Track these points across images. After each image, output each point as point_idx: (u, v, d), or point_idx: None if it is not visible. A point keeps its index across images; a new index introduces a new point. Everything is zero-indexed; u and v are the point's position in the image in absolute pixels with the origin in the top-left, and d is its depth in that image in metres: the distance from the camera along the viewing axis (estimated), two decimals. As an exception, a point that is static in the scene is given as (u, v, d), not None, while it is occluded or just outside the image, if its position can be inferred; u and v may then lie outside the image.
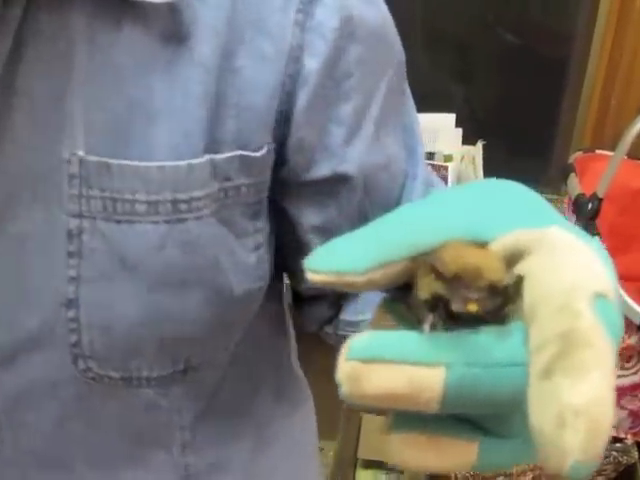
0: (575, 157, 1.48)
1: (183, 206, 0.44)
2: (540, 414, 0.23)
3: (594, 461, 0.23)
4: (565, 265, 0.26)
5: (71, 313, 0.45)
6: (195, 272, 0.46)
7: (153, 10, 0.42)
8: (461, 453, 0.28)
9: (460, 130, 1.69)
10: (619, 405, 1.25)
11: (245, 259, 0.49)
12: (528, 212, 0.30)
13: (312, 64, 0.45)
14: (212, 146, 0.45)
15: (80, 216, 0.44)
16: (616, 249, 1.25)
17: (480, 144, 1.65)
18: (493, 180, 0.32)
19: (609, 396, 0.23)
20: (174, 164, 0.43)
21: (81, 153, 0.43)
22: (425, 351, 0.26)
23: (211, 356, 0.52)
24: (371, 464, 1.77)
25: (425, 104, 1.66)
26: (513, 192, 0.32)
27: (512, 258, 0.28)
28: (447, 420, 0.28)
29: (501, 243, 0.28)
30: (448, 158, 1.69)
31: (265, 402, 0.62)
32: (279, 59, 0.45)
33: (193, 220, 0.45)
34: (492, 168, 1.64)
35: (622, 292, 1.15)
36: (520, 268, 0.27)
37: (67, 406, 0.50)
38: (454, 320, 0.27)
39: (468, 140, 1.69)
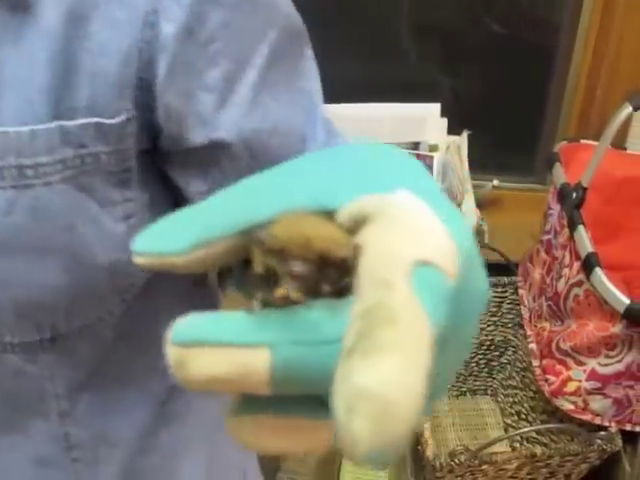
0: (560, 147, 1.48)
1: (29, 172, 0.44)
2: (336, 397, 0.22)
3: (391, 448, 0.22)
4: (392, 233, 0.25)
5: None
6: (48, 238, 0.46)
7: None
8: (315, 434, 0.26)
9: (445, 120, 1.69)
10: (603, 393, 1.26)
11: (112, 228, 0.49)
12: (384, 176, 0.28)
13: (169, 29, 0.45)
14: (63, 112, 0.44)
15: None
16: (601, 238, 1.26)
17: (465, 134, 1.65)
18: (360, 142, 0.30)
19: (407, 379, 0.22)
20: (17, 130, 0.43)
21: None
22: (249, 332, 0.25)
23: (81, 325, 0.51)
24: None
25: (410, 94, 1.67)
26: (376, 154, 0.30)
27: (357, 227, 0.26)
28: (298, 399, 0.26)
29: (347, 212, 0.26)
30: (433, 148, 1.69)
31: (167, 379, 0.60)
32: (133, 25, 0.44)
33: (41, 186, 0.45)
34: (477, 158, 1.65)
35: (606, 280, 1.15)
36: (358, 238, 0.25)
37: None
38: (293, 298, 0.25)
39: (453, 130, 1.69)
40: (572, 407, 1.29)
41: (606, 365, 1.23)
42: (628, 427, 1.29)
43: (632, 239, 1.44)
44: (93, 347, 0.54)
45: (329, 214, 0.26)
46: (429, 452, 1.23)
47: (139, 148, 0.49)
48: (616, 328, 1.18)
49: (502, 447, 1.46)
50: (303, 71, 0.53)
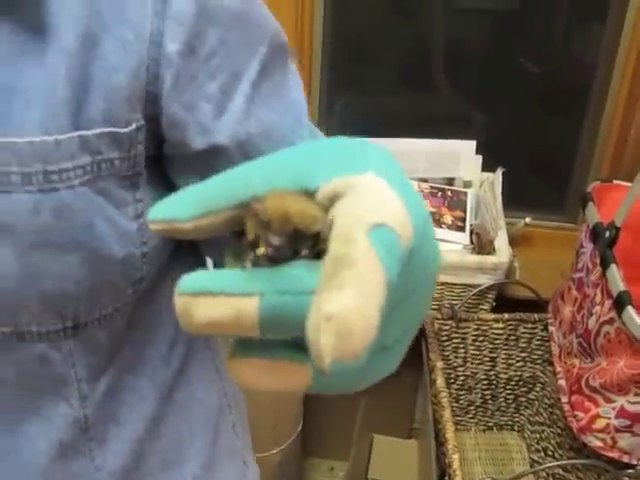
0: (593, 187, 1.50)
1: (54, 177, 0.49)
2: (308, 322, 0.27)
3: (353, 360, 0.27)
4: (356, 203, 0.30)
5: None
6: (71, 236, 0.51)
7: (22, 5, 0.48)
8: (296, 375, 0.31)
9: (480, 157, 1.72)
10: (632, 431, 1.26)
11: (125, 226, 0.54)
12: (354, 161, 0.33)
13: (173, 47, 0.51)
14: (82, 123, 0.50)
15: None
16: (632, 278, 1.27)
17: (499, 171, 1.68)
18: (332, 138, 0.36)
19: (364, 307, 0.27)
20: (42, 139, 0.49)
21: None
22: (242, 283, 0.30)
23: (100, 314, 0.57)
24: (382, 484, 1.79)
25: (447, 130, 1.70)
26: (350, 145, 0.35)
27: (332, 203, 0.31)
28: (285, 346, 0.31)
29: (323, 191, 0.32)
30: (468, 184, 1.72)
31: (172, 367, 0.67)
32: (141, 44, 0.50)
33: (65, 189, 0.50)
34: (510, 195, 1.67)
35: (637, 319, 1.16)
36: (332, 211, 0.31)
37: None
38: (275, 259, 0.30)
39: (488, 167, 1.72)
40: (600, 444, 1.30)
41: (635, 403, 1.24)
42: (656, 466, 1.29)
43: (663, 279, 1.45)
44: (109, 336, 0.59)
45: (310, 193, 0.32)
46: (457, 483, 1.24)
47: (147, 154, 0.54)
48: (647, 367, 1.19)
49: (529, 482, 1.47)
50: (290, 83, 0.59)
